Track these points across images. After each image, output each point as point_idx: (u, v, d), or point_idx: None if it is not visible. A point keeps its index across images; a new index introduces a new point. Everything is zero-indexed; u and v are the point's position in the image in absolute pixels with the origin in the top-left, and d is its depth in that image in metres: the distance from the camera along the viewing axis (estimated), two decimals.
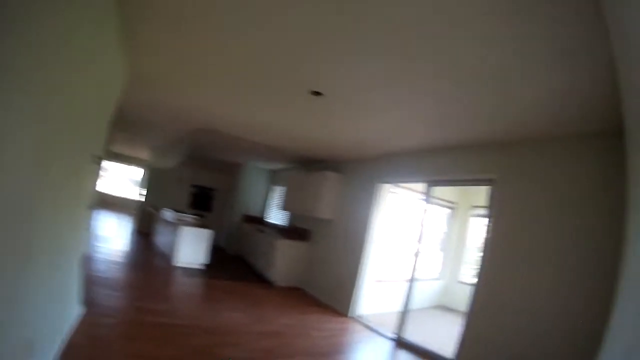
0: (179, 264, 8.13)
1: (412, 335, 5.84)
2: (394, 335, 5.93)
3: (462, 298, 8.68)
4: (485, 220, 4.85)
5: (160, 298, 5.77)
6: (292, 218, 10.17)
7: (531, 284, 4.08)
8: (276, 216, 11.53)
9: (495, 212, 4.72)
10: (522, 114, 3.78)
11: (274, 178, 12.43)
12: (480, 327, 4.53)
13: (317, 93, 4.13)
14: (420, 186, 7.53)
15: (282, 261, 8.36)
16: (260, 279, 8.52)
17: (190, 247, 8.33)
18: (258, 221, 12.16)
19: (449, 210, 9.53)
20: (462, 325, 4.79)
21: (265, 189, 12.67)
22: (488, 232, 4.73)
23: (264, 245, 9.07)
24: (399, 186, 7.36)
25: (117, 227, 12.67)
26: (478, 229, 9.38)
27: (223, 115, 6.00)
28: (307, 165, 9.72)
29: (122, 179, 19.27)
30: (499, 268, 4.49)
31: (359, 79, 3.62)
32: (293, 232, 9.58)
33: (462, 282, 9.18)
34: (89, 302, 4.53)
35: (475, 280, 4.74)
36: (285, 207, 9.98)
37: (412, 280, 5.94)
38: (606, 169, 3.71)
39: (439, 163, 5.76)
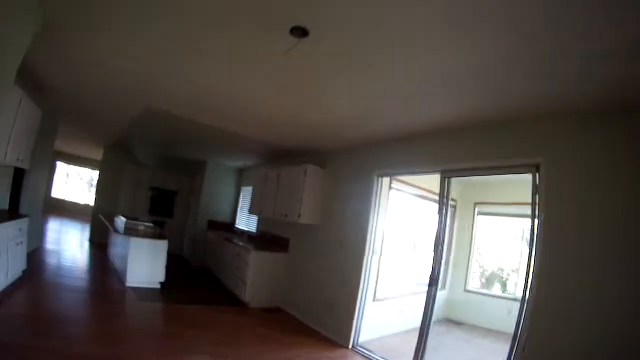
0: (132, 284, 6.50)
1: None
2: None
3: (472, 309, 7.70)
4: (530, 219, 3.81)
5: (104, 338, 4.13)
6: (264, 224, 8.66)
7: (603, 296, 3.08)
8: (247, 222, 9.97)
9: (545, 206, 3.61)
10: (587, 72, 2.74)
11: (244, 177, 10.88)
12: (538, 355, 3.42)
13: (301, 31, 2.68)
14: (428, 181, 6.35)
15: (257, 277, 6.82)
16: (231, 300, 6.94)
17: (145, 263, 6.71)
18: (226, 228, 10.61)
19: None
20: (511, 353, 3.71)
21: (234, 190, 11.14)
22: (537, 233, 3.64)
23: (234, 257, 7.49)
24: (400, 180, 6.00)
25: (69, 237, 11.01)
26: (485, 229, 8.26)
27: (172, 85, 4.48)
28: (281, 160, 8.17)
29: (77, 183, 17.37)
30: (556, 278, 3.41)
31: (361, 10, 2.38)
32: (268, 241, 8.07)
33: (469, 291, 7.98)
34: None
35: (525, 294, 3.70)
36: (253, 211, 8.43)
37: (430, 296, 4.52)
38: None
39: (460, 147, 4.49)
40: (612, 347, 2.97)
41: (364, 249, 5.45)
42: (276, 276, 7.06)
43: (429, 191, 6.92)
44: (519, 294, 7.55)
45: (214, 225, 10.51)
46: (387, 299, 6.19)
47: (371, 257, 5.49)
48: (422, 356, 4.47)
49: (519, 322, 3.65)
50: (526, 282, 3.68)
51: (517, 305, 7.14)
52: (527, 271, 3.68)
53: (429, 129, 4.63)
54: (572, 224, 3.40)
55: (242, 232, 9.93)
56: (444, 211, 4.67)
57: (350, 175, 6.05)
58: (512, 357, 3.64)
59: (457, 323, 7.50)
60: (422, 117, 4.31)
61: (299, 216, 6.32)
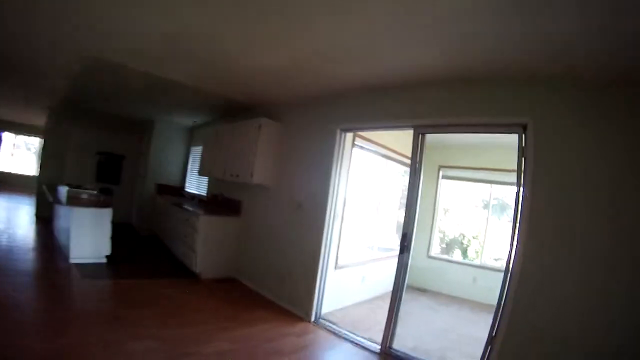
0: (76, 260, 5.72)
1: (404, 340, 4.16)
2: (379, 346, 4.15)
3: (435, 276, 7.44)
4: (516, 185, 3.45)
5: (43, 328, 3.48)
6: (215, 186, 7.97)
7: (593, 273, 2.91)
8: (198, 185, 9.25)
9: (532, 171, 3.30)
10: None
11: (194, 137, 10.06)
12: (523, 330, 3.18)
13: None
14: (393, 140, 5.90)
15: (208, 245, 6.18)
16: (181, 271, 6.29)
17: (88, 235, 5.91)
18: (176, 192, 9.84)
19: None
20: (494, 326, 3.38)
21: (184, 151, 10.33)
22: (522, 203, 3.35)
23: (183, 224, 6.79)
24: (364, 138, 5.50)
25: (15, 214, 9.85)
26: (448, 194, 8.02)
27: (113, 30, 3.74)
28: (234, 115, 7.33)
29: (26, 154, 15.63)
30: (543, 251, 3.18)
31: None
32: (219, 204, 7.43)
33: (432, 257, 7.73)
34: None
35: (508, 265, 3.40)
36: (203, 172, 7.75)
37: (402, 264, 4.12)
38: None
39: (438, 101, 4.03)
40: (598, 328, 2.82)
41: (324, 211, 4.91)
42: (228, 243, 6.46)
43: (394, 151, 6.52)
44: (484, 262, 7.53)
45: (163, 189, 9.69)
46: (350, 266, 5.75)
47: (332, 220, 4.97)
48: (394, 329, 4.09)
49: (503, 294, 3.34)
50: (510, 252, 3.37)
51: (483, 273, 7.14)
52: (511, 241, 3.36)
53: (404, 79, 4.06)
54: (561, 192, 3.15)
55: (192, 195, 9.24)
56: (417, 171, 4.20)
57: (310, 130, 5.42)
58: (496, 328, 3.30)
59: (421, 290, 7.22)
60: (396, 66, 3.75)
61: (251, 176, 5.66)
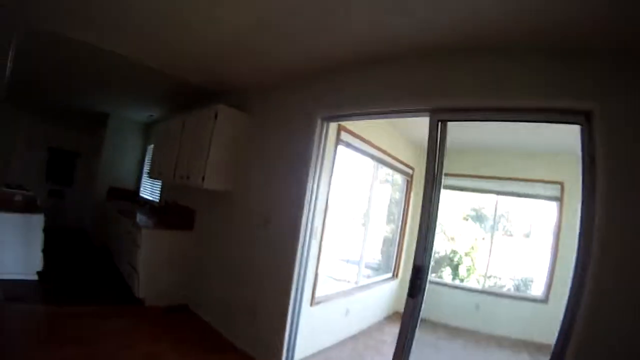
0: (2, 277, 4.67)
1: None
2: None
3: (429, 302, 6.34)
4: (581, 191, 2.44)
5: None
6: (170, 191, 6.72)
7: None
8: (152, 189, 7.96)
9: (605, 174, 2.32)
10: None
11: (150, 134, 8.73)
12: None
13: None
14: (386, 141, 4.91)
15: (153, 265, 4.91)
16: (125, 295, 5.02)
17: (17, 247, 4.92)
18: (128, 197, 8.47)
19: (400, 178, 6.78)
20: None
21: (140, 150, 9.04)
22: (585, 219, 2.38)
23: (126, 237, 5.49)
24: (351, 132, 4.33)
25: None
26: (450, 206, 7.06)
27: None
28: (194, 106, 5.82)
29: None
30: (618, 285, 2.23)
31: None
32: (173, 214, 6.11)
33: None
34: None
35: (574, 295, 2.39)
36: (153, 174, 6.41)
37: (411, 313, 2.91)
38: None
39: (467, 75, 2.85)
40: None
41: (298, 229, 3.65)
42: (179, 263, 5.16)
43: (386, 153, 5.44)
44: (487, 286, 6.51)
45: (114, 193, 8.38)
46: (330, 299, 4.54)
47: (309, 240, 3.72)
48: None
49: (566, 331, 2.33)
50: (575, 278, 2.40)
51: (485, 298, 6.10)
52: (576, 265, 2.40)
53: (417, 44, 2.90)
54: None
55: (146, 202, 7.95)
56: (435, 177, 2.98)
57: (284, 120, 4.18)
58: None
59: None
60: (410, 25, 2.62)
61: (203, 179, 4.38)
